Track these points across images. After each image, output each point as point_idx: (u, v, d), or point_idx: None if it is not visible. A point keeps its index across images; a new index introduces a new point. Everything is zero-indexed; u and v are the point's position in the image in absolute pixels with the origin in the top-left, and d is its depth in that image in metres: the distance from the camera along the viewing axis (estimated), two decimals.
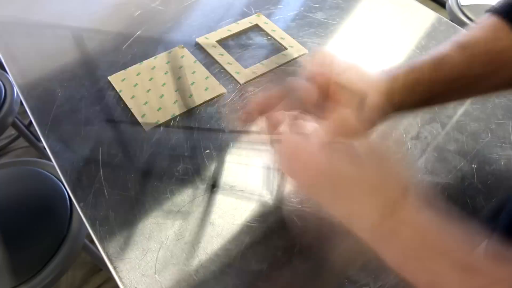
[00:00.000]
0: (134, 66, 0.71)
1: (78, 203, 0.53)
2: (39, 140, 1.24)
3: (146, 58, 0.72)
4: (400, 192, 0.32)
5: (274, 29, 0.79)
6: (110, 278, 1.23)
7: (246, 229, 0.51)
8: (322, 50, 0.41)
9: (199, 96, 0.66)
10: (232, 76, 0.70)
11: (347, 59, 0.40)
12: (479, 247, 0.32)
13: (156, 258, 0.48)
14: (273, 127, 0.39)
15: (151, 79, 0.69)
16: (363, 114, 0.40)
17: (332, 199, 0.34)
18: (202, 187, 0.55)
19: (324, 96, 0.39)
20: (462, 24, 1.18)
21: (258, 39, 0.78)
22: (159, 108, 0.64)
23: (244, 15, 0.82)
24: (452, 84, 0.41)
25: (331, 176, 0.33)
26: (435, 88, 0.41)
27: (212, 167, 0.57)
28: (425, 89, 0.41)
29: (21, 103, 1.11)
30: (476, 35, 0.42)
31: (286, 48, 0.75)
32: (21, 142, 1.63)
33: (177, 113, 0.63)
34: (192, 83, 0.68)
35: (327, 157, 0.34)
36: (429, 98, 0.41)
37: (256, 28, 0.80)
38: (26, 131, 1.34)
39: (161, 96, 0.66)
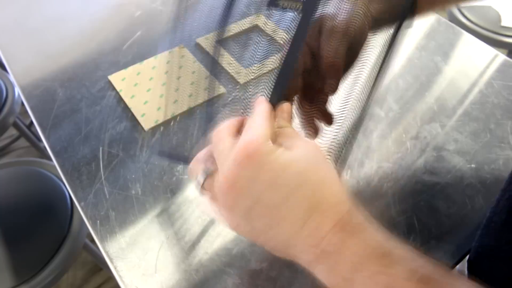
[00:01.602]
0: (134, 65, 0.71)
1: (79, 202, 0.53)
2: (40, 140, 1.24)
3: (146, 58, 0.72)
4: (342, 204, 0.29)
5: (274, 29, 0.79)
6: (111, 277, 1.23)
7: None
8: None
9: (199, 96, 0.66)
10: (232, 76, 0.70)
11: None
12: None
13: (157, 258, 0.48)
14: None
15: (151, 78, 0.69)
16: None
17: (252, 213, 0.30)
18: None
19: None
20: (461, 24, 1.19)
21: (258, 39, 0.78)
22: (159, 108, 0.64)
23: (244, 15, 0.82)
24: None
25: (252, 197, 0.29)
26: None
27: None
28: None
29: (22, 103, 1.11)
30: None
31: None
32: (22, 142, 1.63)
33: (177, 112, 0.64)
34: (192, 83, 0.68)
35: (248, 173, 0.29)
36: None
37: (256, 28, 0.80)
38: (27, 131, 1.35)
39: (161, 96, 0.66)
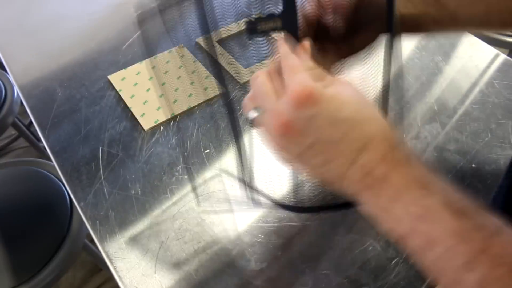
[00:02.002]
0: (134, 65, 0.71)
1: (78, 203, 0.53)
2: (39, 140, 1.24)
3: (146, 58, 0.72)
4: (382, 136, 0.31)
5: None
6: (110, 277, 1.23)
7: (246, 228, 0.51)
8: None
9: (199, 96, 0.66)
10: (232, 76, 0.70)
11: None
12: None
13: (156, 258, 0.48)
14: None
15: (151, 78, 0.69)
16: None
17: (309, 152, 0.32)
18: (202, 186, 0.55)
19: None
20: None
21: (258, 39, 0.78)
22: (159, 108, 0.64)
23: (244, 15, 0.82)
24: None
25: (309, 129, 0.31)
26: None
27: (212, 166, 0.57)
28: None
29: (22, 103, 1.11)
30: None
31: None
32: (21, 142, 1.63)
33: (177, 112, 0.64)
34: (192, 83, 0.68)
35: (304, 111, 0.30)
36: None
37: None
38: (26, 131, 1.34)
39: (161, 96, 0.66)
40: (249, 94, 0.36)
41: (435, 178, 0.30)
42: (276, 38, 0.38)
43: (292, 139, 0.31)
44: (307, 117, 0.30)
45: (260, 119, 0.34)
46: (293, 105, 0.30)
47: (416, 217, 0.28)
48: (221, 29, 0.77)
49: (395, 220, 0.29)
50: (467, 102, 0.66)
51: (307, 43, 0.36)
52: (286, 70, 0.33)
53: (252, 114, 0.34)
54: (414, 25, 0.42)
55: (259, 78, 0.35)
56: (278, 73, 0.35)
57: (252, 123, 0.35)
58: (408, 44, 0.76)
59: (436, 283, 0.41)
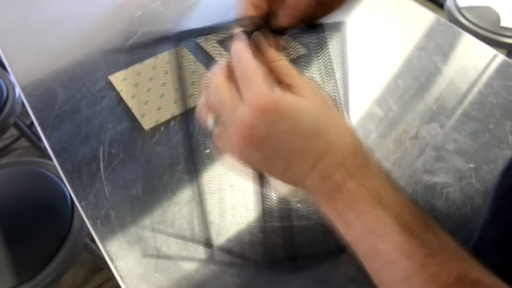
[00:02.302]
0: (134, 65, 0.71)
1: (79, 202, 0.53)
2: (41, 140, 1.24)
3: (146, 58, 0.72)
4: (344, 141, 0.31)
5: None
6: (111, 277, 1.23)
7: (246, 227, 0.51)
8: None
9: (199, 96, 0.66)
10: None
11: None
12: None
13: (157, 257, 0.48)
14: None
15: (151, 78, 0.69)
16: None
17: (270, 159, 0.32)
18: (202, 187, 0.55)
19: None
20: (460, 25, 1.19)
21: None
22: (159, 108, 0.64)
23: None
24: None
25: (269, 138, 0.31)
26: None
27: (212, 166, 0.58)
28: None
29: (23, 104, 1.11)
30: None
31: (286, 49, 0.75)
32: (23, 142, 1.63)
33: (177, 112, 0.64)
34: (192, 83, 0.68)
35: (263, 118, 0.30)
36: None
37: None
38: (28, 131, 1.35)
39: (161, 96, 0.66)
40: (203, 99, 0.36)
41: (392, 189, 0.30)
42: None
43: (253, 148, 0.31)
44: (267, 126, 0.30)
45: (217, 128, 0.34)
46: (253, 115, 0.30)
47: (366, 227, 0.29)
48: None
49: (347, 226, 0.30)
50: (466, 102, 0.66)
51: (259, 36, 0.35)
52: (241, 76, 0.32)
53: (210, 123, 0.34)
54: None
55: (214, 82, 0.33)
56: (232, 74, 0.33)
57: (209, 132, 0.35)
58: (407, 44, 0.77)
59: None
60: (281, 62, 0.34)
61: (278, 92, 0.31)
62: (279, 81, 0.33)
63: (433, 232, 0.29)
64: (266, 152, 0.31)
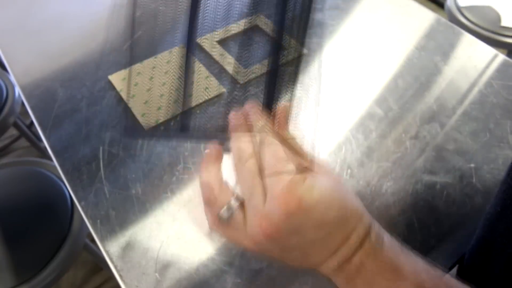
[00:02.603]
0: (134, 65, 0.71)
1: (79, 202, 0.53)
2: (40, 140, 1.24)
3: (146, 58, 0.72)
4: (361, 225, 0.31)
5: (274, 29, 0.79)
6: (111, 277, 1.23)
7: None
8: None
9: (199, 96, 0.66)
10: (232, 76, 0.70)
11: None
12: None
13: (157, 257, 0.48)
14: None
15: (151, 78, 0.69)
16: None
17: (288, 250, 0.32)
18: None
19: None
20: (460, 24, 1.19)
21: (258, 39, 0.78)
22: (159, 108, 0.64)
23: (244, 15, 0.82)
24: None
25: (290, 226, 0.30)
26: None
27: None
28: None
29: (23, 103, 1.11)
30: None
31: (286, 49, 0.75)
32: (23, 142, 1.63)
33: (177, 112, 0.64)
34: (192, 83, 0.68)
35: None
36: None
37: (256, 28, 0.80)
38: (28, 131, 1.35)
39: (161, 96, 0.66)
40: (213, 185, 0.35)
41: (408, 257, 0.31)
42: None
43: (275, 242, 0.31)
44: (296, 224, 0.30)
45: (237, 215, 0.33)
46: (283, 212, 0.30)
47: None
48: (221, 29, 0.78)
49: None
50: (466, 102, 0.66)
51: (283, 110, 0.36)
52: (270, 164, 0.32)
53: (226, 213, 0.33)
54: None
55: (248, 164, 0.33)
56: (258, 157, 0.33)
57: (220, 217, 0.34)
58: (407, 44, 0.77)
59: None
60: (298, 143, 0.35)
61: (308, 182, 0.30)
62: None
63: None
64: (287, 246, 0.31)
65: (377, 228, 0.32)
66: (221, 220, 0.34)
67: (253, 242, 0.32)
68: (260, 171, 0.32)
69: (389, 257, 0.31)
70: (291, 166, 0.31)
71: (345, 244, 0.31)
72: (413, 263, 0.31)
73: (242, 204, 0.33)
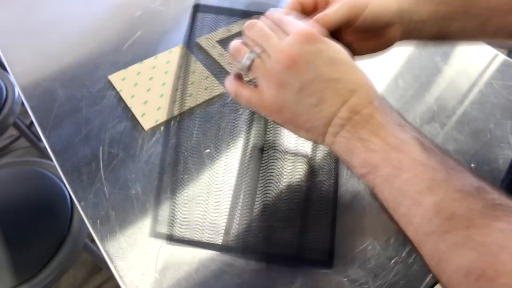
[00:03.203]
0: (134, 65, 0.71)
1: (79, 202, 0.53)
2: (40, 140, 1.24)
3: (146, 58, 0.72)
4: (369, 84, 0.34)
5: None
6: (111, 277, 1.23)
7: (246, 227, 0.51)
8: None
9: (199, 96, 0.66)
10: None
11: None
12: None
13: (157, 257, 0.48)
14: None
15: (151, 78, 0.69)
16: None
17: (306, 91, 0.34)
18: (202, 186, 0.55)
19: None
20: None
21: None
22: (159, 108, 0.64)
23: (244, 15, 0.82)
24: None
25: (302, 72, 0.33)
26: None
27: (212, 166, 0.58)
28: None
29: (22, 103, 1.11)
30: None
31: None
32: (22, 142, 1.63)
33: (177, 112, 0.64)
34: (192, 83, 0.68)
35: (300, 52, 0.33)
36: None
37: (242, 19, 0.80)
38: (27, 131, 1.35)
39: (161, 96, 0.66)
40: (241, 41, 0.38)
41: (411, 125, 0.33)
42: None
43: (295, 73, 0.33)
44: (312, 52, 0.33)
45: (257, 61, 0.36)
46: (300, 39, 0.33)
47: (390, 147, 0.31)
48: (221, 29, 0.78)
49: (370, 151, 0.32)
50: (466, 102, 0.66)
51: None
52: (286, 21, 0.35)
53: (249, 57, 0.36)
54: (440, 34, 0.42)
55: (258, 24, 0.37)
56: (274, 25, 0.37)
57: (246, 69, 0.36)
58: (408, 44, 0.76)
59: (436, 282, 0.42)
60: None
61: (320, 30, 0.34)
62: None
63: (450, 156, 0.31)
64: (305, 80, 0.33)
65: (384, 99, 0.34)
66: (243, 70, 0.36)
67: (275, 76, 0.34)
68: (279, 25, 0.36)
69: (396, 117, 0.33)
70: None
71: (356, 94, 0.33)
72: (416, 129, 0.33)
73: (262, 52, 0.36)
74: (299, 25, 0.34)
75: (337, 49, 0.34)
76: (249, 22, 0.37)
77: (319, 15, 0.38)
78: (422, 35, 0.42)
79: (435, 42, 0.44)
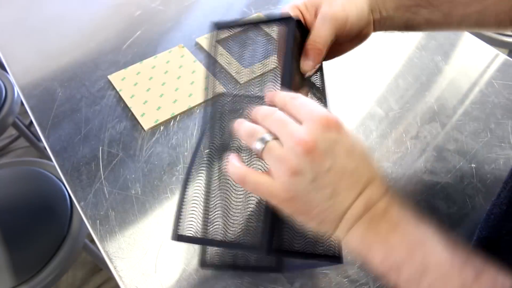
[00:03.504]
0: (134, 65, 0.71)
1: (79, 202, 0.53)
2: (40, 140, 1.24)
3: (146, 58, 0.72)
4: (381, 177, 0.33)
5: (274, 29, 0.79)
6: (111, 278, 1.23)
7: (246, 227, 0.51)
8: None
9: (199, 95, 0.66)
10: (232, 75, 0.70)
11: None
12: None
13: (156, 257, 0.48)
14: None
15: (151, 78, 0.69)
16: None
17: (321, 182, 0.31)
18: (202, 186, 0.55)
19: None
20: None
21: (258, 39, 0.78)
22: (159, 107, 0.64)
23: (244, 15, 0.82)
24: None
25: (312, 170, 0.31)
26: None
27: (212, 166, 0.57)
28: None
29: (22, 103, 1.11)
30: None
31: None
32: (22, 142, 1.63)
33: (177, 112, 0.64)
34: (192, 83, 0.68)
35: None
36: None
37: (256, 28, 0.80)
38: (27, 131, 1.35)
39: (161, 95, 0.66)
40: (251, 124, 0.36)
41: (423, 219, 0.32)
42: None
43: (311, 160, 0.31)
44: (331, 140, 0.31)
45: (271, 144, 0.33)
46: (319, 127, 0.31)
47: (412, 245, 0.30)
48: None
49: (391, 249, 0.30)
50: (467, 102, 0.66)
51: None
52: (301, 105, 0.33)
53: (260, 144, 0.33)
54: (407, 25, 0.45)
55: (269, 109, 0.34)
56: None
57: (259, 152, 0.33)
58: (408, 44, 0.76)
59: None
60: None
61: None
62: None
63: (470, 254, 0.30)
64: (321, 169, 0.31)
65: (395, 192, 0.34)
66: (256, 152, 0.34)
67: (290, 165, 0.31)
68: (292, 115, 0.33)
69: (409, 211, 0.32)
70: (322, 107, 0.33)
71: (370, 185, 0.32)
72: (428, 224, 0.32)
73: (275, 139, 0.33)
74: (317, 110, 0.32)
75: (354, 139, 0.33)
76: (260, 110, 0.35)
77: (309, 44, 0.41)
78: (393, 26, 0.45)
79: (406, 31, 0.47)
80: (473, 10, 0.42)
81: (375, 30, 0.46)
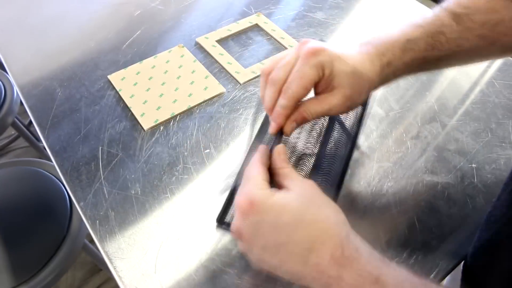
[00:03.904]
0: (133, 65, 0.71)
1: (78, 202, 0.53)
2: (39, 140, 1.24)
3: (146, 57, 0.72)
4: (335, 238, 0.33)
5: (274, 28, 0.79)
6: (110, 278, 1.23)
7: None
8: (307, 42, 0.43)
9: (199, 95, 0.66)
10: (231, 75, 0.70)
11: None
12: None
13: (156, 258, 0.48)
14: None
15: (150, 78, 0.69)
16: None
17: (265, 256, 0.35)
18: (202, 186, 0.55)
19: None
20: None
21: (258, 38, 0.78)
22: (159, 107, 0.64)
23: (244, 14, 0.82)
24: (448, 57, 0.43)
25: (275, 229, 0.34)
26: (429, 61, 0.43)
27: (212, 166, 0.57)
28: (419, 64, 0.43)
29: (21, 103, 1.11)
30: (470, 6, 0.42)
31: (286, 48, 0.75)
32: (21, 142, 1.63)
33: (177, 112, 0.63)
34: (192, 82, 0.68)
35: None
36: (422, 69, 0.45)
37: (256, 27, 0.80)
38: (26, 131, 1.34)
39: (161, 95, 0.66)
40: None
41: (388, 267, 0.32)
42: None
43: (247, 244, 0.35)
44: (252, 224, 0.34)
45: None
46: (240, 215, 0.35)
47: None
48: (221, 29, 0.77)
49: None
50: (468, 102, 0.66)
51: (281, 147, 0.40)
52: (244, 180, 0.37)
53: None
54: (419, 66, 0.44)
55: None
56: None
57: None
58: None
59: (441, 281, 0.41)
60: (286, 169, 0.38)
61: (264, 192, 0.34)
62: (280, 185, 0.37)
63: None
64: (258, 247, 0.34)
65: (354, 240, 0.33)
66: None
67: (243, 250, 0.37)
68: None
69: (367, 269, 0.31)
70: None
71: (312, 252, 0.32)
72: (395, 274, 0.31)
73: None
74: (243, 191, 0.35)
75: (278, 212, 0.33)
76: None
77: (303, 109, 0.42)
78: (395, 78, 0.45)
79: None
80: (481, 44, 0.43)
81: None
